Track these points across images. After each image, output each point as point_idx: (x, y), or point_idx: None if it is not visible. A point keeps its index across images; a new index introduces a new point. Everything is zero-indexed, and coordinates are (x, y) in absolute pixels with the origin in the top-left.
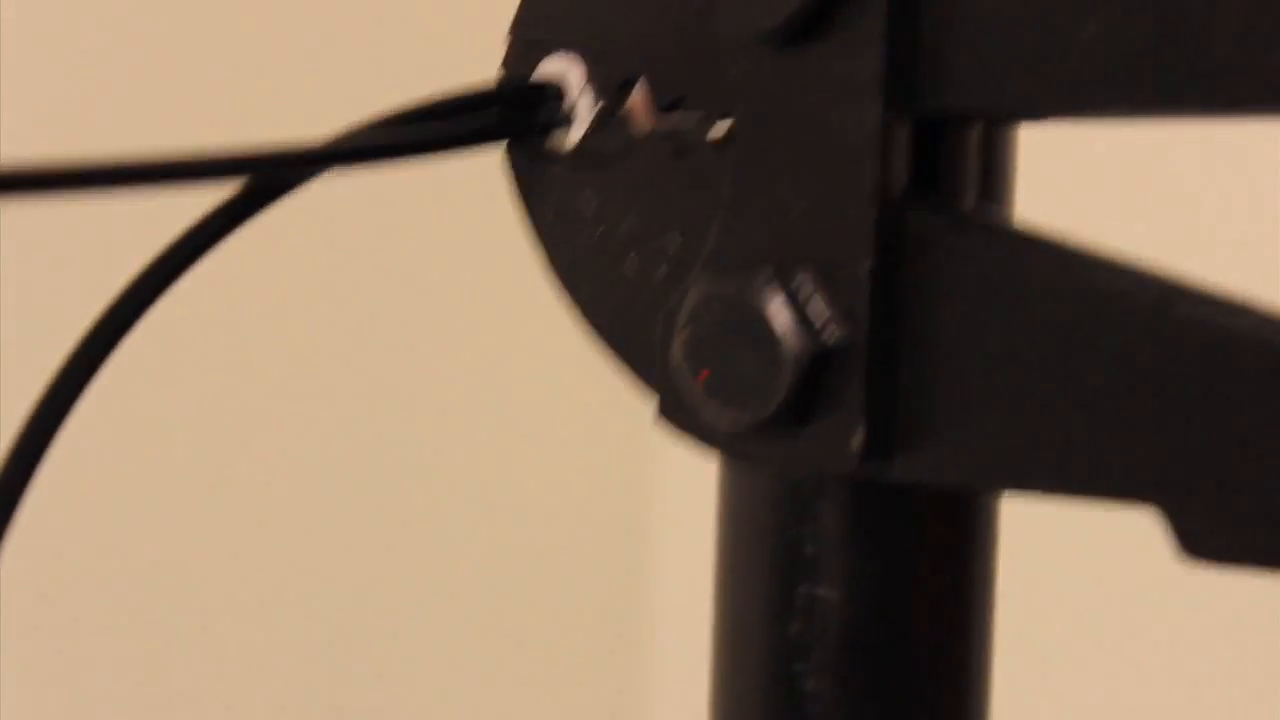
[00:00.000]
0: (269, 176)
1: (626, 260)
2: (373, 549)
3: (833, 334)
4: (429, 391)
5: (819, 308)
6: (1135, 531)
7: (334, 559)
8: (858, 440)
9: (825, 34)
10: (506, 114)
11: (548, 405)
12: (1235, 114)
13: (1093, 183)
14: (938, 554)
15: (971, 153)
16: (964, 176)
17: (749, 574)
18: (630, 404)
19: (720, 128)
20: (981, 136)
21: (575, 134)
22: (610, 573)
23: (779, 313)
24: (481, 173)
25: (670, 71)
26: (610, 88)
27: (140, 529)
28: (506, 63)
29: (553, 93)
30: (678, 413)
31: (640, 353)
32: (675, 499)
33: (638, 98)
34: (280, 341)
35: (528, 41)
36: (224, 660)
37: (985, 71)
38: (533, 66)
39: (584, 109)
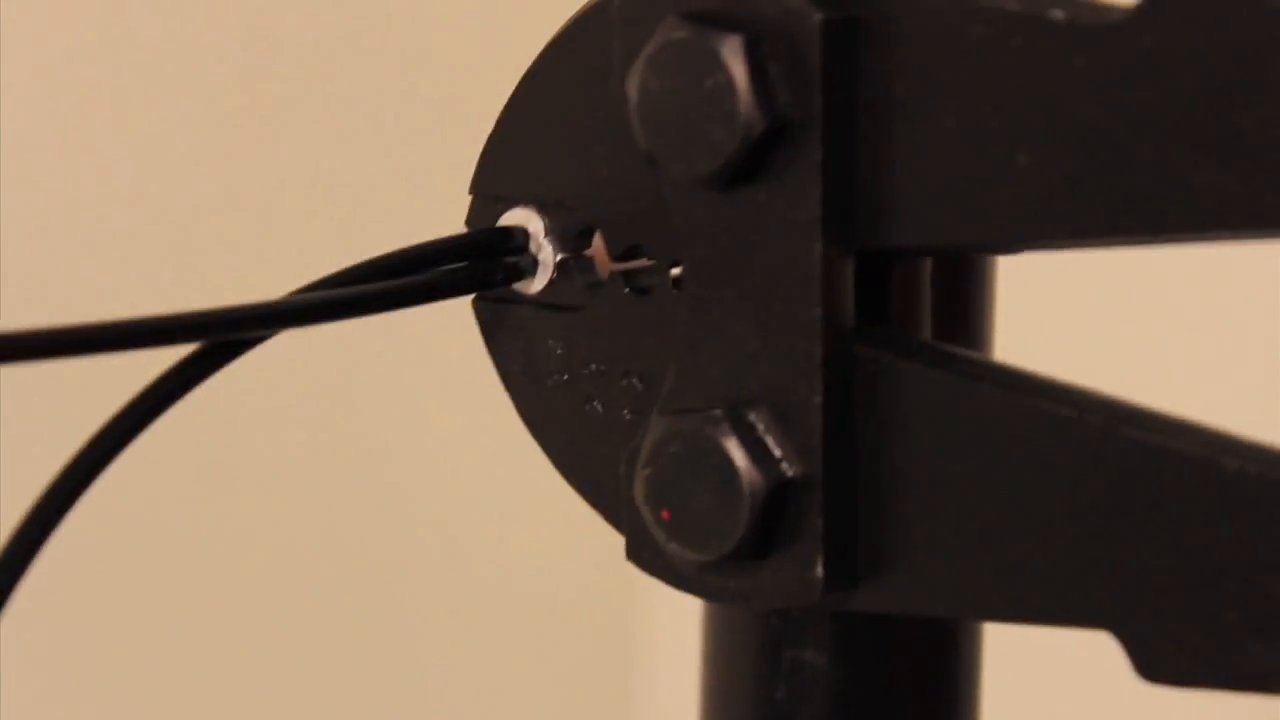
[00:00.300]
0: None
1: (591, 405)
2: (374, 554)
3: (788, 469)
4: (428, 395)
5: (774, 444)
6: None
7: (334, 560)
8: (818, 574)
9: (764, 175)
10: (474, 266)
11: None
12: (1166, 239)
13: None
14: (923, 618)
15: (924, 283)
16: (917, 307)
17: (736, 638)
18: None
19: (676, 270)
20: (940, 265)
21: (539, 283)
22: (599, 634)
23: (735, 450)
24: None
25: (624, 220)
26: (569, 237)
27: (139, 531)
28: (470, 219)
29: (517, 244)
30: (645, 552)
31: (608, 495)
32: None
33: (597, 246)
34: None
35: (488, 198)
36: (221, 677)
37: (922, 206)
38: (495, 220)
39: (546, 258)
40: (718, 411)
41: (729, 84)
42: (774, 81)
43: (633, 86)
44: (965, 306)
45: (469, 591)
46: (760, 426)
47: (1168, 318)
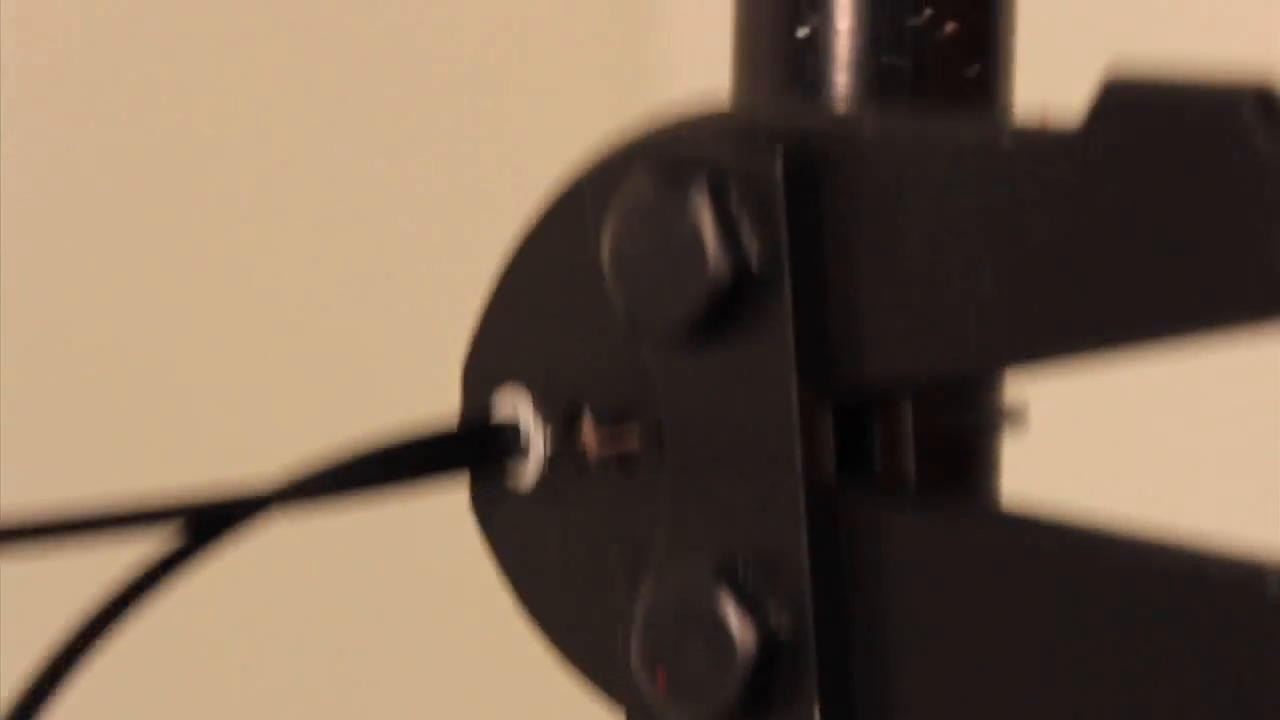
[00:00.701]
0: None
1: (585, 587)
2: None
3: (779, 624)
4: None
5: (764, 599)
6: None
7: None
8: None
9: (736, 325)
10: (467, 452)
11: None
12: (1135, 344)
13: None
14: None
15: (906, 431)
16: (901, 453)
17: None
18: None
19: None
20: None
21: (531, 468)
22: None
23: (726, 608)
24: None
25: (609, 393)
26: (559, 419)
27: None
28: (463, 400)
29: (508, 429)
30: (643, 718)
31: (607, 670)
32: None
33: (586, 426)
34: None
35: (479, 382)
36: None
37: (893, 342)
38: (487, 405)
39: (537, 443)
40: (708, 570)
41: (695, 235)
42: (740, 230)
43: (605, 248)
44: (951, 449)
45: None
46: (750, 582)
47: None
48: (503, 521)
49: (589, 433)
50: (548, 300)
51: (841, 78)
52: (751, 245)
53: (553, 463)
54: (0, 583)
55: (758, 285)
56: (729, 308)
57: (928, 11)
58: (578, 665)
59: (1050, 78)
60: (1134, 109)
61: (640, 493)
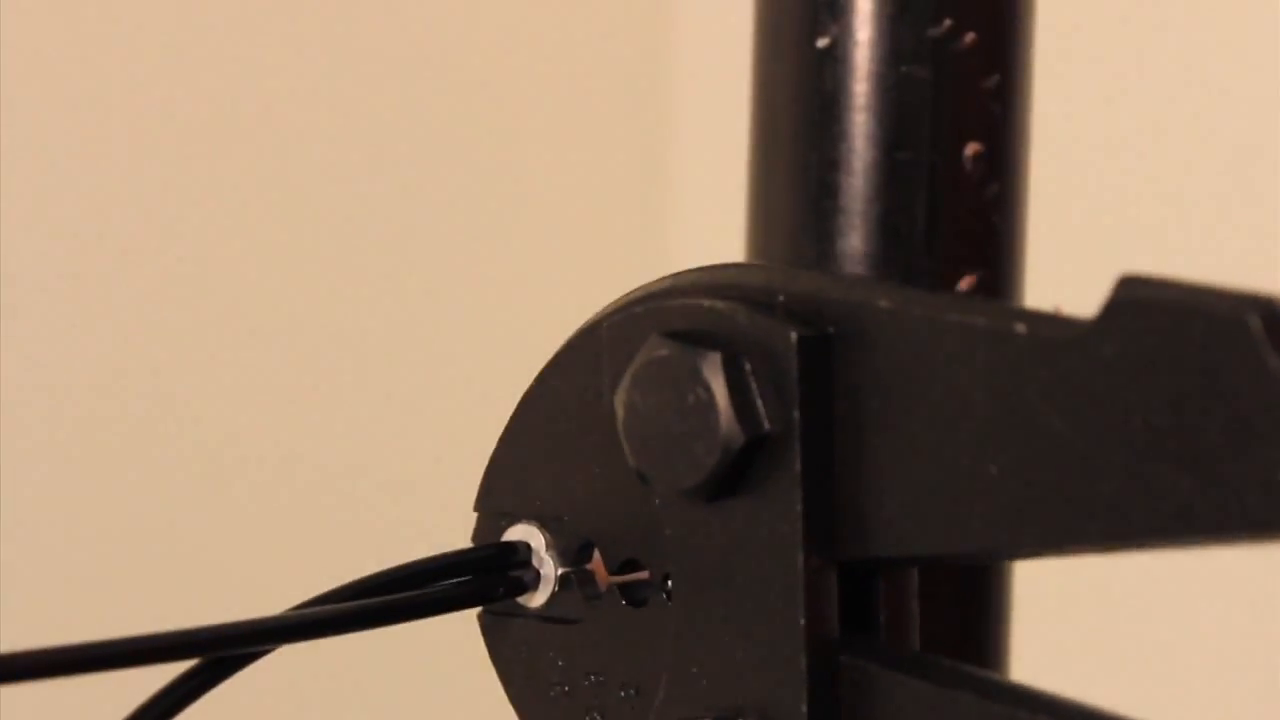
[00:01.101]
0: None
1: (591, 715)
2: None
3: None
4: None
5: None
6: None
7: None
8: None
9: (746, 488)
10: (478, 581)
11: None
12: (1137, 547)
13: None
14: None
15: (911, 592)
16: (904, 616)
17: None
18: None
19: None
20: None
21: (541, 597)
22: None
23: None
24: None
25: (620, 534)
26: (570, 551)
27: (139, 529)
28: (475, 534)
29: (520, 559)
30: None
31: None
32: None
33: (596, 560)
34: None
35: (493, 514)
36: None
37: (899, 517)
38: (499, 536)
39: (548, 573)
40: None
41: (709, 400)
42: (754, 397)
43: (620, 404)
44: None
45: None
46: None
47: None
48: (509, 638)
49: (599, 563)
50: (561, 442)
51: (861, 88)
52: (764, 412)
53: (562, 585)
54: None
55: (768, 450)
56: (740, 471)
57: (947, 22)
58: None
59: (1068, 90)
60: (1146, 311)
61: (646, 631)
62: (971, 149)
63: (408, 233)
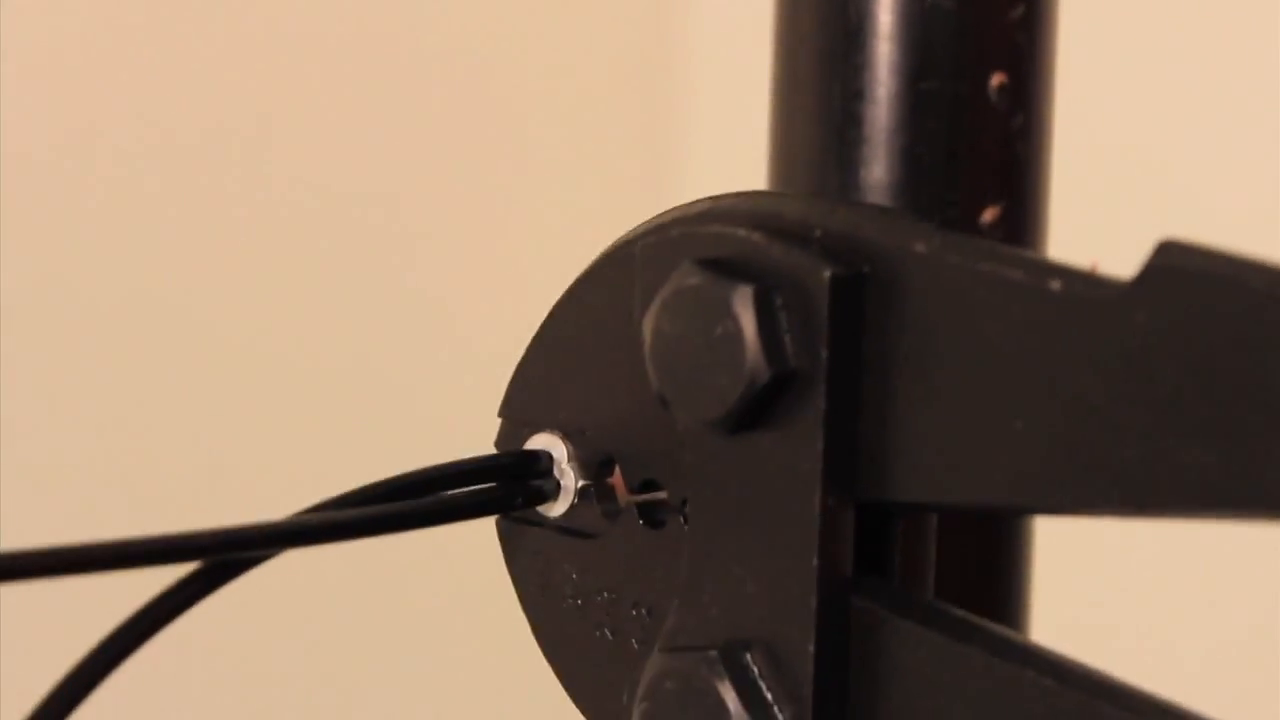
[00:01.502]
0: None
1: (601, 631)
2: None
3: (779, 714)
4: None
5: (766, 689)
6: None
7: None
8: None
9: (769, 423)
10: (500, 487)
11: None
12: (1154, 514)
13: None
14: None
15: (928, 538)
16: (919, 561)
17: None
18: None
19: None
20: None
21: (560, 507)
22: None
23: (727, 694)
24: None
25: (641, 454)
26: (590, 466)
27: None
28: (499, 441)
29: (542, 468)
30: None
31: (610, 715)
32: None
33: (617, 475)
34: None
35: (517, 421)
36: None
37: (920, 465)
38: (521, 444)
39: (568, 484)
40: (714, 653)
41: (737, 333)
42: (782, 333)
43: (648, 328)
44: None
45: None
46: (755, 670)
47: None
48: (526, 547)
49: (620, 479)
50: (588, 357)
51: (886, 17)
52: (792, 350)
53: (581, 497)
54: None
55: (794, 386)
56: (764, 405)
57: None
58: (581, 706)
59: (1094, 19)
60: (1183, 280)
61: (662, 552)
62: (996, 80)
63: (431, 167)
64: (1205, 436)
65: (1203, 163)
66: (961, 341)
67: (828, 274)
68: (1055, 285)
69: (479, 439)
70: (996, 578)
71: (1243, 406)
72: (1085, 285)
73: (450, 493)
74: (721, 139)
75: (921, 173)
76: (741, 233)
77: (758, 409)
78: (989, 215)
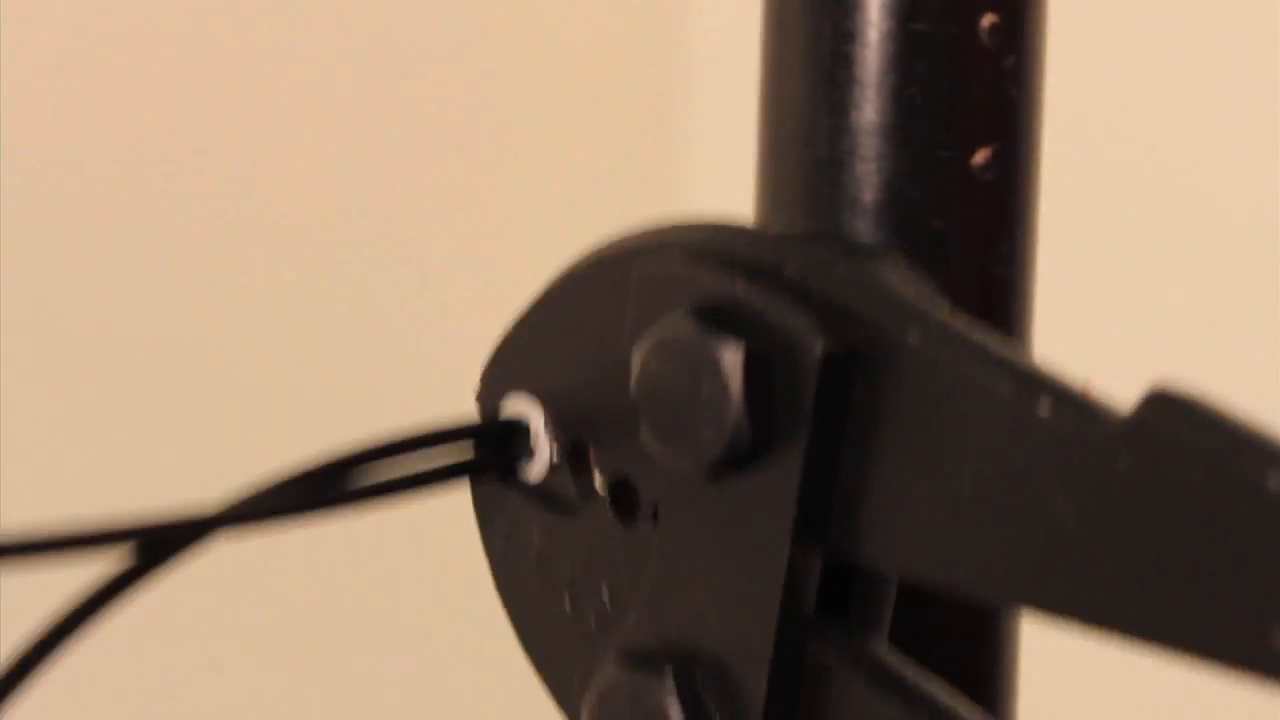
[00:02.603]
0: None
1: (562, 601)
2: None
3: None
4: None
5: (714, 714)
6: None
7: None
8: None
9: (746, 472)
10: (483, 449)
11: None
12: (1110, 635)
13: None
14: None
15: (888, 593)
16: (880, 611)
17: None
18: None
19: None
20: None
21: (536, 471)
22: None
23: (675, 716)
24: None
25: (618, 453)
26: (567, 446)
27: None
28: (479, 400)
29: (522, 430)
30: None
31: (562, 690)
32: None
33: (593, 461)
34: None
35: (496, 390)
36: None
37: (888, 541)
38: (498, 413)
39: (543, 454)
40: (667, 672)
41: (724, 393)
42: (769, 397)
43: (637, 360)
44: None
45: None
46: (705, 694)
47: None
48: (498, 508)
49: (595, 466)
50: (576, 347)
51: None
52: (777, 414)
53: (557, 471)
54: None
55: (775, 444)
56: (743, 461)
57: None
58: (536, 669)
59: None
60: (1170, 441)
61: (631, 546)
62: (988, 20)
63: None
64: (1177, 583)
65: (1198, 144)
66: (943, 439)
67: (819, 350)
68: (1044, 410)
69: None
70: (983, 661)
71: (1217, 569)
72: (1074, 415)
73: (422, 464)
74: (722, 123)
75: (912, 114)
76: (740, 286)
77: (737, 461)
78: (980, 157)
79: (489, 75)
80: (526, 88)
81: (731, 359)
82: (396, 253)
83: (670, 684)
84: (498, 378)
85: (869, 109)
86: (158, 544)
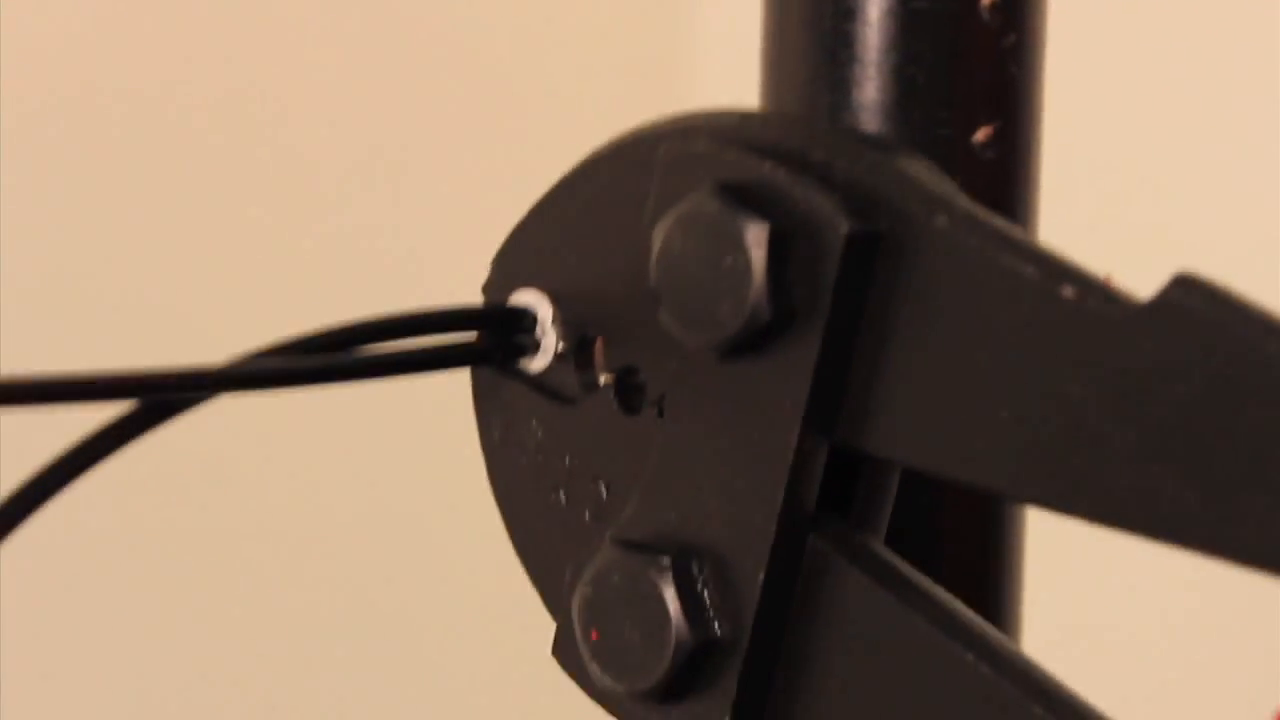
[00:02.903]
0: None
1: (556, 494)
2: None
3: (718, 629)
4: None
5: (710, 602)
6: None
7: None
8: None
9: (760, 354)
10: (489, 336)
11: None
12: (1124, 530)
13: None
14: None
15: (891, 490)
16: (879, 510)
17: None
18: None
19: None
20: None
21: (539, 364)
22: None
23: (671, 600)
24: None
25: (624, 340)
26: (573, 336)
27: (141, 527)
28: (486, 289)
29: (528, 320)
30: (568, 656)
31: (551, 585)
32: None
33: (599, 350)
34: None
35: (507, 274)
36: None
37: (901, 427)
38: (507, 299)
39: (549, 344)
40: (665, 558)
41: (746, 269)
42: (789, 277)
43: (658, 238)
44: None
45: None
46: (701, 582)
47: None
48: (497, 395)
49: (600, 355)
50: (592, 234)
51: None
52: (797, 295)
53: (561, 360)
54: None
55: (791, 326)
56: (760, 338)
57: None
58: (525, 564)
59: None
60: (1192, 321)
61: (632, 437)
62: None
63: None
64: (1189, 473)
65: (1200, 125)
66: (964, 323)
67: (845, 229)
68: (1068, 292)
69: None
70: (989, 557)
71: (1232, 454)
72: (1097, 298)
73: (425, 342)
74: (724, 100)
75: (914, 92)
76: (767, 165)
77: (753, 341)
78: (981, 135)
79: (493, 45)
80: (530, 63)
81: (755, 236)
82: (397, 252)
83: (668, 570)
84: (507, 268)
85: (870, 87)
86: (162, 398)
